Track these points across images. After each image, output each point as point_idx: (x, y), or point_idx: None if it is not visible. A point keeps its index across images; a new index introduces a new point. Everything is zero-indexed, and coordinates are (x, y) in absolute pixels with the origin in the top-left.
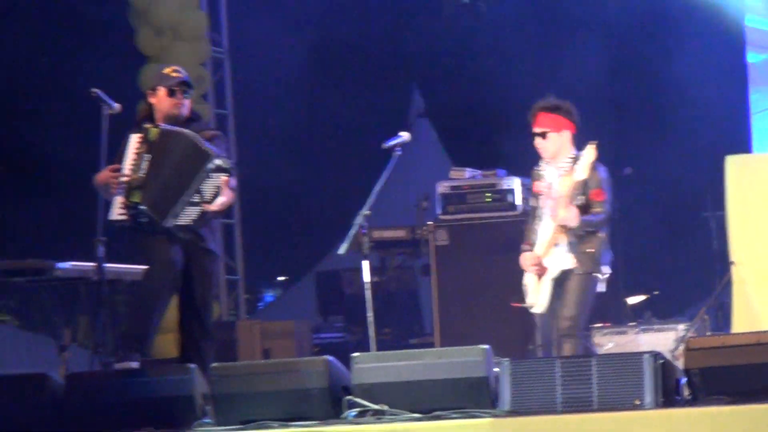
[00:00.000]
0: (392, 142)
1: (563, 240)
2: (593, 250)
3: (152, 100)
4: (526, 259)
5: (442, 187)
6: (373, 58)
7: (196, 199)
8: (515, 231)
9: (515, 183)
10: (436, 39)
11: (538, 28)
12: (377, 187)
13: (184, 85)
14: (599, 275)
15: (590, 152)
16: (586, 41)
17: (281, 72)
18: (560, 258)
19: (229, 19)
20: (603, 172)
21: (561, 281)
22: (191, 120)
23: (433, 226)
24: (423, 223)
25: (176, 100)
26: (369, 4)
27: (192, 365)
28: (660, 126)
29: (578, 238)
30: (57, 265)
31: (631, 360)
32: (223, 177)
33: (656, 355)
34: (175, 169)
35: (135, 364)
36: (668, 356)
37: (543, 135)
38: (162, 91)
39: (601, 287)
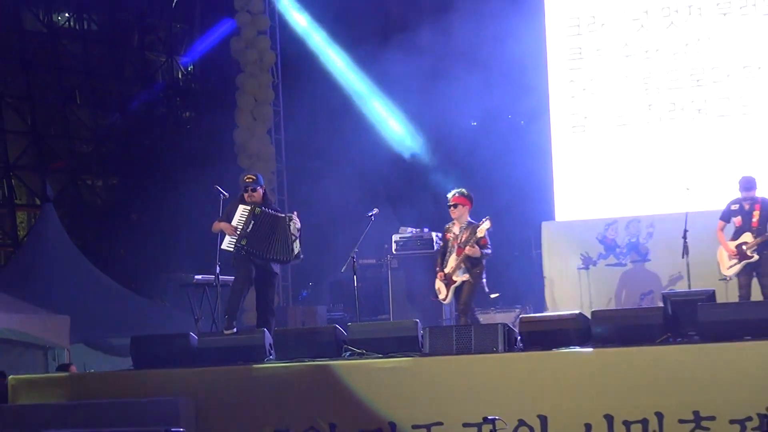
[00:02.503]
0: (370, 214)
1: (462, 266)
2: (479, 271)
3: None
4: (440, 277)
5: (395, 237)
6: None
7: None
8: (432, 260)
9: (432, 235)
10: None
11: None
12: (361, 237)
13: (249, 187)
14: (483, 286)
15: (487, 223)
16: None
17: (314, 178)
18: (461, 275)
19: (285, 148)
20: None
21: (461, 287)
22: (266, 201)
23: (390, 258)
24: (385, 256)
25: (248, 194)
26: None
27: (264, 329)
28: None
29: (472, 264)
30: (195, 276)
31: (491, 327)
32: (297, 242)
33: (504, 325)
34: (274, 234)
35: (234, 330)
36: (511, 325)
37: (455, 207)
38: (243, 190)
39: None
